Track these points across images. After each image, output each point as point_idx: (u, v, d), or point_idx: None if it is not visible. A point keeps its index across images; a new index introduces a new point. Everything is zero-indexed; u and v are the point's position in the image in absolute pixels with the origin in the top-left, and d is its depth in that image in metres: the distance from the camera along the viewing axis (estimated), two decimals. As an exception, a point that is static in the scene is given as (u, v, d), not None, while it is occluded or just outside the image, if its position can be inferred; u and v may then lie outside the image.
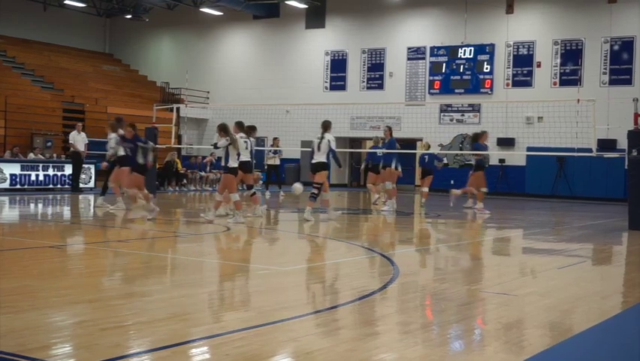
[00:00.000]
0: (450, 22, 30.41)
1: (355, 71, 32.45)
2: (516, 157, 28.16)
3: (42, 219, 15.46)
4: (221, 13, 35.01)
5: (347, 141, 32.14)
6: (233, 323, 5.60)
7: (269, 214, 16.33)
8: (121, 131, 15.63)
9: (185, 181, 26.28)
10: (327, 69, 33.13)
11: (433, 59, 30.58)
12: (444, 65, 30.32)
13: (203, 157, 28.67)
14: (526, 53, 29.07)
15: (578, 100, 17.90)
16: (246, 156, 14.33)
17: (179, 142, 28.02)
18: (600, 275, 9.42)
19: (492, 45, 29.44)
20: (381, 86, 31.80)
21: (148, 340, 5.07)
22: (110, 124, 17.21)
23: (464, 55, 29.90)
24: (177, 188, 25.66)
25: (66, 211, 17.45)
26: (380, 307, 6.56)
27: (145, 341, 5.05)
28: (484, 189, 18.06)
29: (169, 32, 37.70)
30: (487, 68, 29.46)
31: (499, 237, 14.15)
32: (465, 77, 29.85)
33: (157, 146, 21.39)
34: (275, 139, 24.62)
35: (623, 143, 20.92)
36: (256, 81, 34.21)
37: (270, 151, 24.31)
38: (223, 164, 13.74)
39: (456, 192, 19.23)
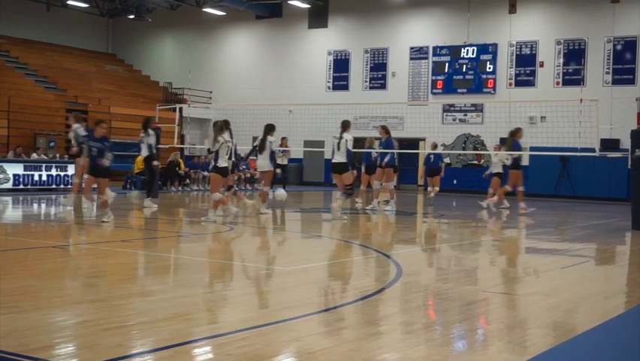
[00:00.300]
0: (452, 22, 30.39)
1: (358, 71, 32.44)
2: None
3: (45, 219, 15.47)
4: (224, 13, 35.02)
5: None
6: (236, 322, 5.60)
7: (274, 214, 16.31)
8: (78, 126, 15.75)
9: (187, 181, 26.28)
10: (329, 69, 33.12)
11: (436, 58, 30.56)
12: (446, 64, 30.30)
13: (206, 157, 28.72)
14: (528, 52, 29.04)
15: (581, 100, 17.86)
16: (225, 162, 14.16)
17: (182, 142, 27.97)
18: (603, 275, 9.40)
19: (495, 45, 29.41)
20: (383, 86, 31.78)
21: (150, 340, 5.07)
22: (75, 115, 17.17)
23: (467, 55, 29.88)
24: (180, 188, 25.66)
25: (69, 211, 17.46)
26: (383, 307, 6.56)
27: (147, 341, 5.05)
28: (521, 188, 17.95)
29: (172, 32, 37.72)
30: (489, 68, 29.44)
31: (502, 237, 14.13)
32: (468, 77, 29.83)
33: (160, 146, 21.43)
34: (283, 139, 24.67)
35: (626, 143, 20.87)
36: (259, 81, 34.22)
37: (279, 151, 24.36)
38: (212, 163, 14.07)
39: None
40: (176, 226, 14.20)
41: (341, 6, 32.87)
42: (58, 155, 25.23)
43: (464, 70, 29.90)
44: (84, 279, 7.59)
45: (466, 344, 5.31)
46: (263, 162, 15.76)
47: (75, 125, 16.89)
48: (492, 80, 29.39)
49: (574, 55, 28.19)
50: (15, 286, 6.80)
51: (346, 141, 14.85)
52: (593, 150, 17.20)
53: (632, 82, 26.93)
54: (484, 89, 29.50)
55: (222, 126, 14.08)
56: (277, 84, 33.49)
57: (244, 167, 28.71)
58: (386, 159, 18.34)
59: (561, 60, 28.40)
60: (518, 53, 29.20)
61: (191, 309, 6.10)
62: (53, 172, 22.28)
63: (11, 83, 28.93)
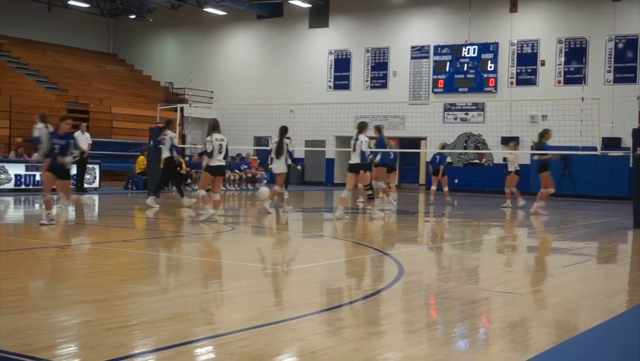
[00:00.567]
0: (454, 21, 30.38)
1: (359, 71, 32.44)
2: (520, 156, 28.08)
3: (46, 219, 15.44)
4: (225, 13, 35.03)
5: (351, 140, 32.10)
6: (237, 322, 5.60)
7: (277, 214, 16.31)
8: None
9: (189, 181, 26.27)
10: (330, 68, 33.13)
11: (437, 57, 30.55)
12: (448, 63, 30.29)
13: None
14: (530, 51, 29.03)
15: (583, 98, 17.85)
16: (217, 160, 14.06)
17: (184, 142, 27.96)
18: (605, 274, 9.40)
19: (496, 44, 29.40)
20: (385, 85, 31.78)
21: (152, 340, 5.07)
22: (40, 114, 16.99)
23: (468, 54, 29.87)
24: (182, 188, 25.64)
25: (70, 211, 17.46)
26: (384, 306, 6.55)
27: (149, 340, 5.05)
28: (552, 190, 17.87)
29: (173, 32, 37.74)
30: (491, 67, 29.43)
31: (504, 235, 14.12)
32: (469, 76, 29.82)
33: (160, 146, 21.43)
34: (287, 138, 24.61)
35: (627, 141, 20.87)
36: (260, 81, 34.23)
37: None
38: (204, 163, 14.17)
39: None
40: (177, 226, 14.19)
41: (342, 5, 32.87)
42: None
43: (465, 69, 29.89)
44: (85, 279, 7.59)
45: (467, 343, 5.31)
46: (279, 165, 16.31)
47: (39, 125, 16.69)
48: (493, 79, 29.39)
49: (575, 53, 28.17)
50: (17, 286, 6.80)
51: (361, 142, 14.98)
52: (594, 149, 17.20)
53: (633, 80, 26.92)
54: (486, 88, 29.49)
55: (214, 125, 14.18)
56: (278, 84, 33.50)
57: (245, 167, 28.73)
58: (377, 158, 18.48)
59: (562, 59, 28.39)
60: (519, 51, 29.19)
61: (192, 309, 6.10)
62: (55, 172, 22.28)
63: (12, 83, 28.95)
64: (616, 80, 27.26)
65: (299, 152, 30.04)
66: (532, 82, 28.88)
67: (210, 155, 13.86)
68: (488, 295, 7.08)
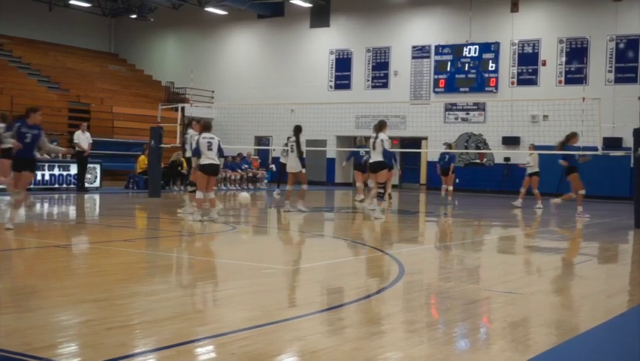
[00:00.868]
0: (455, 21, 30.37)
1: (360, 70, 32.43)
2: (521, 156, 28.06)
3: (48, 218, 15.49)
4: (226, 13, 35.03)
5: (352, 140, 32.10)
6: (239, 322, 5.60)
7: (278, 213, 16.32)
8: None
9: (190, 180, 26.28)
10: (331, 68, 33.12)
11: (438, 57, 30.54)
12: (449, 63, 30.29)
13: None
14: (531, 51, 29.02)
15: (584, 98, 17.84)
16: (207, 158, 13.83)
17: (185, 141, 27.96)
18: (606, 274, 9.39)
19: (497, 43, 29.39)
20: (386, 85, 31.77)
21: (153, 339, 5.07)
22: (2, 114, 16.79)
23: (469, 53, 29.86)
24: (182, 187, 25.66)
25: (71, 211, 17.49)
26: (385, 305, 6.56)
27: (150, 340, 5.06)
28: (582, 191, 17.77)
29: (174, 32, 37.75)
30: (492, 67, 29.42)
31: (505, 235, 14.12)
32: (470, 76, 29.82)
33: (162, 145, 21.46)
34: (289, 138, 24.61)
35: (628, 141, 20.87)
36: (261, 80, 34.23)
37: (284, 150, 24.40)
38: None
39: (557, 200, 18.95)
40: (178, 225, 14.19)
41: (343, 5, 32.86)
42: (61, 155, 25.19)
43: (466, 69, 29.89)
44: (86, 278, 7.60)
45: (468, 343, 5.31)
46: (295, 164, 16.50)
47: (1, 125, 16.41)
48: (494, 79, 29.38)
49: (576, 53, 28.16)
50: (18, 286, 6.81)
51: (382, 140, 15.00)
52: (595, 149, 17.18)
53: (634, 80, 26.90)
54: (487, 88, 29.48)
55: (205, 126, 14.04)
56: (279, 83, 33.50)
57: (246, 166, 28.73)
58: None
59: (563, 59, 28.37)
60: (520, 51, 29.18)
61: (193, 308, 6.11)
62: (56, 172, 22.30)
63: (14, 82, 28.96)
64: (617, 80, 27.25)
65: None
66: (533, 82, 28.87)
67: (197, 153, 13.71)
68: (489, 295, 7.08)
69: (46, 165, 22.06)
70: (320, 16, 33.35)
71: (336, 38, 33.16)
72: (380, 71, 31.99)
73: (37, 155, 11.60)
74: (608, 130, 22.96)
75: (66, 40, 36.10)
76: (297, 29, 34.14)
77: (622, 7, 27.32)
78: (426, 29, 31.05)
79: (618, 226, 15.66)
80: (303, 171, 16.64)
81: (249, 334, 5.19)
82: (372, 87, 32.06)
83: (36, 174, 21.56)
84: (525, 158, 20.60)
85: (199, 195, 13.77)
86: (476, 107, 29.67)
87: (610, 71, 27.48)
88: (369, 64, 32.27)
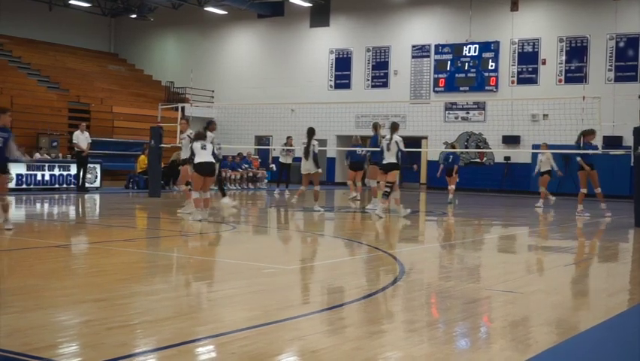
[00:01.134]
0: (454, 20, 30.37)
1: (360, 70, 32.43)
2: (522, 155, 28.12)
3: (48, 218, 15.50)
4: (226, 12, 35.03)
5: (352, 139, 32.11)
6: (239, 321, 5.61)
7: (278, 212, 16.33)
8: None
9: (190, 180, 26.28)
10: (331, 67, 33.12)
11: (438, 56, 30.54)
12: (449, 62, 30.28)
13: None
14: (531, 50, 29.02)
15: (584, 97, 17.84)
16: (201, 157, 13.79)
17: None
18: (606, 272, 9.40)
19: (497, 42, 29.39)
20: (385, 85, 31.77)
21: (154, 339, 5.08)
22: None
23: (469, 52, 29.86)
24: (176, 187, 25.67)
25: (72, 211, 17.50)
26: (385, 305, 6.56)
27: (151, 340, 5.06)
28: (584, 190, 17.65)
29: (174, 32, 37.74)
30: (492, 66, 29.42)
31: (505, 234, 14.13)
32: (470, 75, 29.81)
33: (162, 145, 21.47)
34: (288, 138, 24.69)
35: (629, 140, 20.85)
36: (261, 80, 34.22)
37: (283, 150, 24.48)
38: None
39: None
40: (178, 225, 14.20)
41: (343, 4, 32.86)
42: (61, 155, 25.24)
43: (466, 68, 29.89)
44: (87, 278, 7.60)
45: (468, 342, 5.31)
46: (309, 166, 16.69)
47: None
48: (494, 78, 29.38)
49: (576, 52, 28.16)
50: (18, 286, 6.81)
51: (396, 142, 15.33)
52: (595, 148, 17.19)
53: (634, 79, 26.90)
54: (487, 87, 29.48)
55: (198, 135, 14.08)
56: (279, 83, 33.49)
57: (246, 166, 28.74)
58: (368, 155, 18.93)
59: (563, 58, 28.37)
60: (520, 50, 29.18)
61: (193, 308, 6.11)
62: (56, 172, 22.31)
63: (14, 82, 28.95)
64: (617, 79, 27.25)
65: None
66: (533, 81, 28.87)
67: (191, 160, 13.70)
68: (489, 294, 7.08)
69: (47, 165, 22.08)
70: (320, 15, 33.34)
71: (336, 38, 33.16)
72: (380, 70, 31.99)
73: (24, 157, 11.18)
74: (608, 129, 22.94)
75: (66, 40, 36.09)
76: (296, 29, 34.14)
77: (622, 6, 27.32)
78: (426, 29, 31.05)
79: (618, 225, 15.66)
80: (320, 171, 16.93)
81: (249, 333, 5.20)
82: (372, 87, 32.06)
83: (36, 174, 21.62)
84: (526, 156, 20.69)
85: (194, 195, 13.74)
86: (476, 107, 29.67)
87: (610, 70, 27.49)
88: (369, 63, 32.27)
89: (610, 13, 27.42)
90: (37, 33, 34.74)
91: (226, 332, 5.24)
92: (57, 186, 22.23)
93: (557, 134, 23.01)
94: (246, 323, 5.47)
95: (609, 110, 23.70)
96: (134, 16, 36.55)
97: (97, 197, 20.99)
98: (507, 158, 28.77)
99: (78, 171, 22.36)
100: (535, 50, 28.93)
